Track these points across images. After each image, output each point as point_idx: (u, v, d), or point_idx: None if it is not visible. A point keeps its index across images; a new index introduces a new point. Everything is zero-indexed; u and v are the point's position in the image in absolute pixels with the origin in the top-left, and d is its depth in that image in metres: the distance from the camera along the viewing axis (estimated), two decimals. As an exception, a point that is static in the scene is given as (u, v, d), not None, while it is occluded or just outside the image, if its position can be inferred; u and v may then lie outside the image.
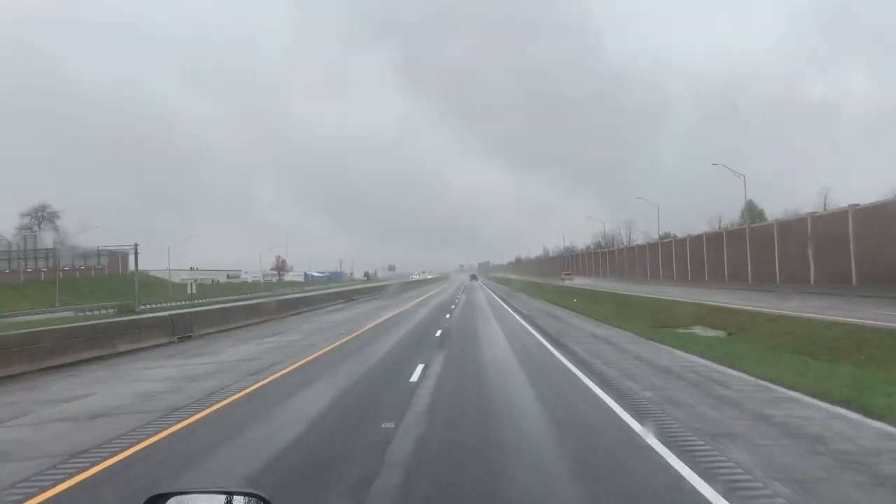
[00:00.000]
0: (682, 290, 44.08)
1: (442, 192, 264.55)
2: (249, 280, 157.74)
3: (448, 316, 30.18)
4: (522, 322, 25.58)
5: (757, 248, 50.01)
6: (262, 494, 2.14)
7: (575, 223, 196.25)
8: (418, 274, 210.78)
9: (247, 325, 27.57)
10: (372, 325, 25.42)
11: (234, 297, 75.61)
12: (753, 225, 52.74)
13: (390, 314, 32.49)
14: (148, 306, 62.18)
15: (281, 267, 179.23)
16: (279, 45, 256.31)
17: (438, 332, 21.10)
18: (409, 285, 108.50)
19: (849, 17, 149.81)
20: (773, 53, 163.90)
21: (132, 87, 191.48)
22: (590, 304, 36.99)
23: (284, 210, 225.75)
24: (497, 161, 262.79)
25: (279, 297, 44.56)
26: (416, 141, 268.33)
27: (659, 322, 26.02)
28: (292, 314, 35.12)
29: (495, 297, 56.16)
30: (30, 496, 5.70)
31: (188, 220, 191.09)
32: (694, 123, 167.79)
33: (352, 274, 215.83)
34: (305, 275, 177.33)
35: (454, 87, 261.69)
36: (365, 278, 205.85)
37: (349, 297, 56.03)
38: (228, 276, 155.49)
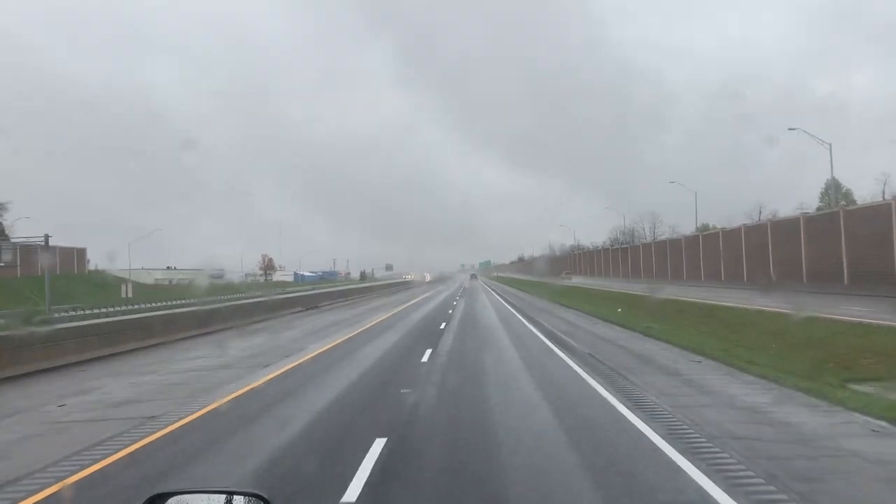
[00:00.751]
0: (767, 297, 31.00)
1: (443, 191, 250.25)
2: (235, 280, 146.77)
3: (427, 357, 15.68)
4: (590, 381, 11.90)
5: (858, 239, 36.75)
6: (263, 494, 2.09)
7: (583, 220, 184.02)
8: (410, 275, 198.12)
9: (47, 371, 14.62)
10: (246, 388, 12.07)
11: (186, 300, 63.14)
12: (850, 207, 39.64)
13: (327, 345, 19.36)
14: (65, 313, 49.10)
15: (268, 266, 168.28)
16: (269, 33, 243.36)
17: (373, 454, 7.05)
18: (401, 286, 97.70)
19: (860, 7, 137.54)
20: (783, 46, 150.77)
21: (115, 78, 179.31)
22: (652, 319, 23.97)
23: (281, 208, 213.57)
24: (499, 157, 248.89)
25: (207, 307, 31.93)
26: (416, 137, 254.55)
27: (834, 364, 13.21)
28: (176, 339, 22.07)
29: (504, 304, 42.99)
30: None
31: (176, 217, 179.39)
32: (704, 116, 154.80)
33: (348, 274, 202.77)
34: (295, 275, 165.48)
35: (455, 81, 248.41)
36: (359, 278, 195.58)
37: (312, 303, 43.15)
38: (211, 276, 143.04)
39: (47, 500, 6.08)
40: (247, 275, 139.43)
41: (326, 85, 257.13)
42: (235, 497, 2.03)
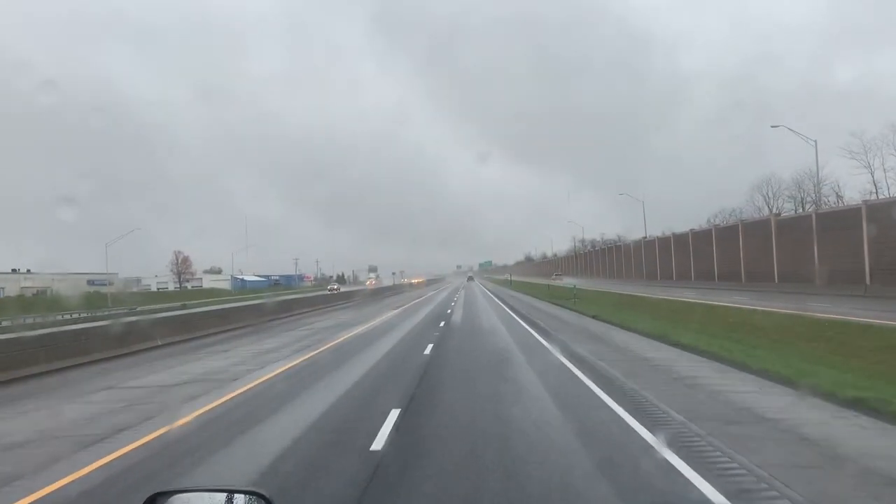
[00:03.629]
0: None
1: (438, 188, 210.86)
2: (124, 289, 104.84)
3: None
4: None
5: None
6: (263, 493, 2.03)
7: (593, 217, 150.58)
8: (375, 277, 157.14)
9: None
10: None
11: None
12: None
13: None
14: None
15: (183, 268, 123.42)
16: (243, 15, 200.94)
17: None
18: (377, 294, 69.05)
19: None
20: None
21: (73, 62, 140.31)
22: None
23: (256, 205, 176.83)
24: (499, 152, 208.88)
25: None
26: (408, 131, 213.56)
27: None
28: None
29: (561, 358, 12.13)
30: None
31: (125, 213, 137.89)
32: (718, 105, 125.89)
33: (330, 277, 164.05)
34: (233, 279, 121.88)
35: (449, 59, 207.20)
36: (335, 283, 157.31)
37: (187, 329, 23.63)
38: (90, 283, 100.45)
39: (47, 499, 5.61)
40: (125, 280, 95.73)
41: (299, 62, 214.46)
42: (236, 495, 2.00)
